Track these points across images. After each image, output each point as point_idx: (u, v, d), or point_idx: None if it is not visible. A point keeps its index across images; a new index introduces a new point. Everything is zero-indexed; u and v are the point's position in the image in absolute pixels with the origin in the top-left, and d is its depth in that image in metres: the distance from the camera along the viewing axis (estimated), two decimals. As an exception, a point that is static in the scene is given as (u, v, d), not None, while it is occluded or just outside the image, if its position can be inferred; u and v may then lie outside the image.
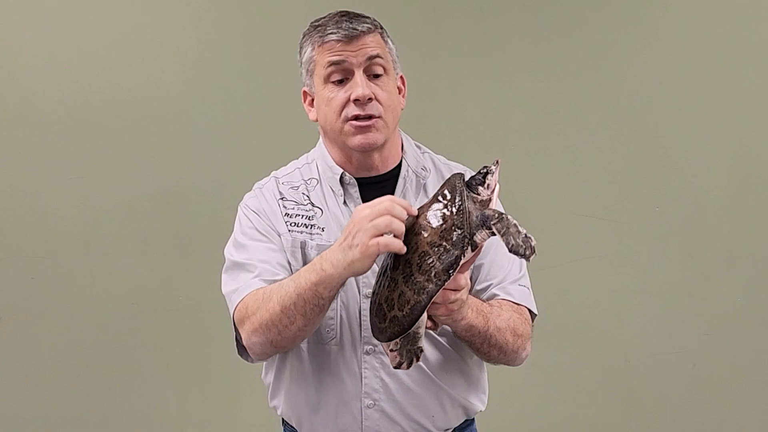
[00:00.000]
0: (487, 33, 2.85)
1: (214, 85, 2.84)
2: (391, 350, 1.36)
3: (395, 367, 1.37)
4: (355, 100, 1.49)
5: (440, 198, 1.32)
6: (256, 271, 1.50)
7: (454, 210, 1.28)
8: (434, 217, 1.30)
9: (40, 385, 2.85)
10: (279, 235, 1.56)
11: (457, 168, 1.64)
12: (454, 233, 1.27)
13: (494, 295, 1.56)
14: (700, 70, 2.85)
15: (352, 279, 1.50)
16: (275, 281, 1.47)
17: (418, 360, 1.37)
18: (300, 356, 1.56)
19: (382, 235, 1.28)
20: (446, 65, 2.85)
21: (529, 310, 1.60)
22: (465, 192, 1.29)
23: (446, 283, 1.28)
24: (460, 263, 1.27)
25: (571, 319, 2.87)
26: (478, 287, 1.57)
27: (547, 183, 2.85)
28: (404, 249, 1.29)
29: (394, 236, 1.29)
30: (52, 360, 2.84)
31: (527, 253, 1.24)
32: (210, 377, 2.88)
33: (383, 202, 1.31)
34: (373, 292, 1.38)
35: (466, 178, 1.36)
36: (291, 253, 1.55)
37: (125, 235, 2.83)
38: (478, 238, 1.28)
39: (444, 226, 1.28)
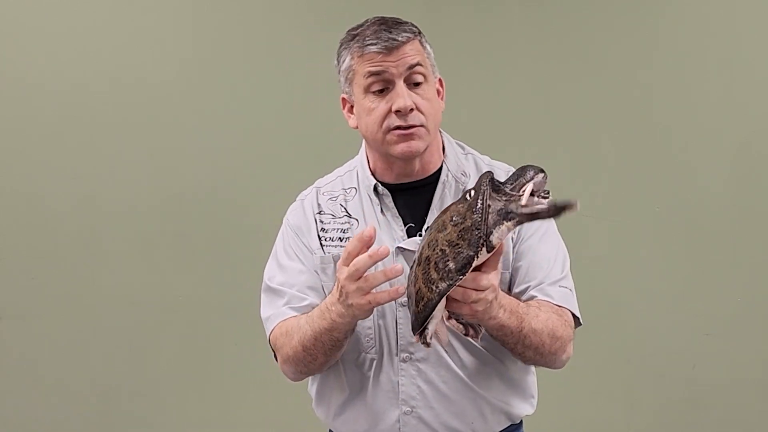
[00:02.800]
0: (487, 33, 2.85)
1: (215, 87, 2.84)
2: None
3: (466, 335, 1.39)
4: (397, 111, 1.48)
5: (467, 197, 1.31)
6: (286, 297, 1.57)
7: (475, 209, 1.28)
8: (456, 216, 1.30)
9: (40, 385, 2.85)
10: (312, 253, 1.59)
11: (501, 167, 1.63)
12: (472, 233, 1.26)
13: (532, 297, 1.53)
14: (701, 70, 2.85)
15: None
16: (303, 306, 1.55)
17: (476, 333, 1.38)
18: (341, 365, 1.58)
19: (369, 292, 1.34)
20: (445, 65, 2.83)
21: (573, 315, 1.56)
22: (488, 191, 1.28)
23: (463, 282, 1.28)
24: (473, 263, 1.26)
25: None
26: (516, 290, 1.54)
27: (546, 183, 2.84)
28: (399, 293, 1.33)
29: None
30: (52, 360, 2.84)
31: (555, 211, 1.25)
32: (210, 377, 2.87)
33: (350, 265, 1.34)
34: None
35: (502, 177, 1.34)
36: (322, 270, 1.57)
37: (125, 235, 2.83)
38: (494, 238, 1.26)
39: (464, 225, 1.27)
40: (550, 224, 1.59)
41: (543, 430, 2.92)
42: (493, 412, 1.56)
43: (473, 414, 1.55)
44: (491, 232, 1.26)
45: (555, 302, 1.53)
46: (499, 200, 1.28)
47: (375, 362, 1.55)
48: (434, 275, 1.28)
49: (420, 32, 1.56)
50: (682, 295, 2.87)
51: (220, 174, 2.84)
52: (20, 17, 2.80)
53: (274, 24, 2.84)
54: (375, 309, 1.50)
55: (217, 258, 2.88)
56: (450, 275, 1.26)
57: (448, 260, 1.27)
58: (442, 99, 1.61)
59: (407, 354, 1.53)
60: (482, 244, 1.26)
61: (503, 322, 1.40)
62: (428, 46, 1.57)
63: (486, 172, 1.31)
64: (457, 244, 1.27)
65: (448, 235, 1.28)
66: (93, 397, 2.86)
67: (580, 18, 2.86)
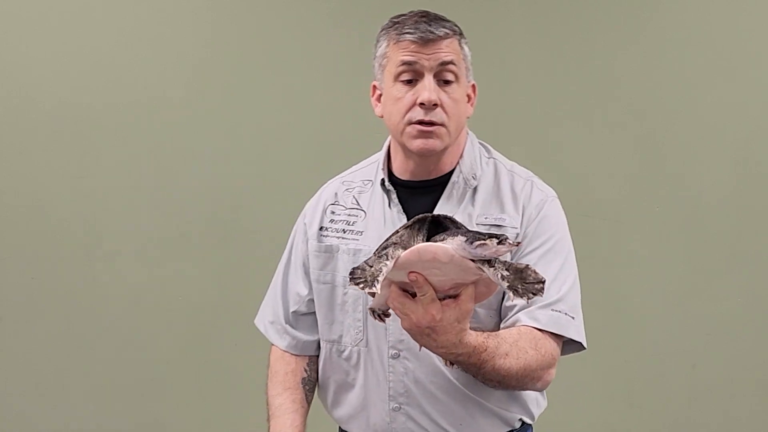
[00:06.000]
0: (488, 32, 2.85)
1: (215, 87, 2.84)
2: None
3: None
4: (421, 104, 1.47)
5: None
6: (281, 312, 1.67)
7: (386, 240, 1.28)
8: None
9: (40, 385, 2.85)
10: (307, 241, 1.63)
11: (521, 173, 1.62)
12: (371, 257, 1.24)
13: (518, 320, 1.47)
14: (702, 71, 2.85)
15: None
16: (292, 313, 1.66)
17: (381, 318, 1.38)
18: (329, 358, 1.62)
19: None
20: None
21: (571, 339, 1.50)
22: (401, 229, 1.28)
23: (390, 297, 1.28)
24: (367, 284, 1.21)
25: (571, 319, 2.87)
26: (506, 303, 1.50)
27: (547, 183, 2.84)
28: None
29: None
30: (52, 360, 2.84)
31: (359, 283, 1.20)
32: (210, 377, 2.87)
33: None
34: None
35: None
36: (315, 257, 1.60)
37: (125, 235, 2.83)
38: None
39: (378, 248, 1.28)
40: (557, 243, 1.52)
41: (543, 429, 2.93)
42: (484, 415, 1.54)
43: (462, 416, 1.53)
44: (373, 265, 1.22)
45: (540, 326, 1.46)
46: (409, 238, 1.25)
47: (364, 356, 1.56)
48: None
49: (461, 33, 1.56)
50: (682, 295, 2.87)
51: (221, 174, 2.84)
52: (21, 17, 2.80)
53: (276, 26, 2.84)
54: (364, 302, 1.54)
55: (217, 258, 2.88)
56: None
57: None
58: (471, 105, 1.61)
59: (396, 351, 1.53)
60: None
61: (459, 360, 1.36)
62: (467, 48, 1.57)
63: (443, 215, 1.31)
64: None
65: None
66: (93, 397, 2.86)
67: (581, 17, 2.86)
